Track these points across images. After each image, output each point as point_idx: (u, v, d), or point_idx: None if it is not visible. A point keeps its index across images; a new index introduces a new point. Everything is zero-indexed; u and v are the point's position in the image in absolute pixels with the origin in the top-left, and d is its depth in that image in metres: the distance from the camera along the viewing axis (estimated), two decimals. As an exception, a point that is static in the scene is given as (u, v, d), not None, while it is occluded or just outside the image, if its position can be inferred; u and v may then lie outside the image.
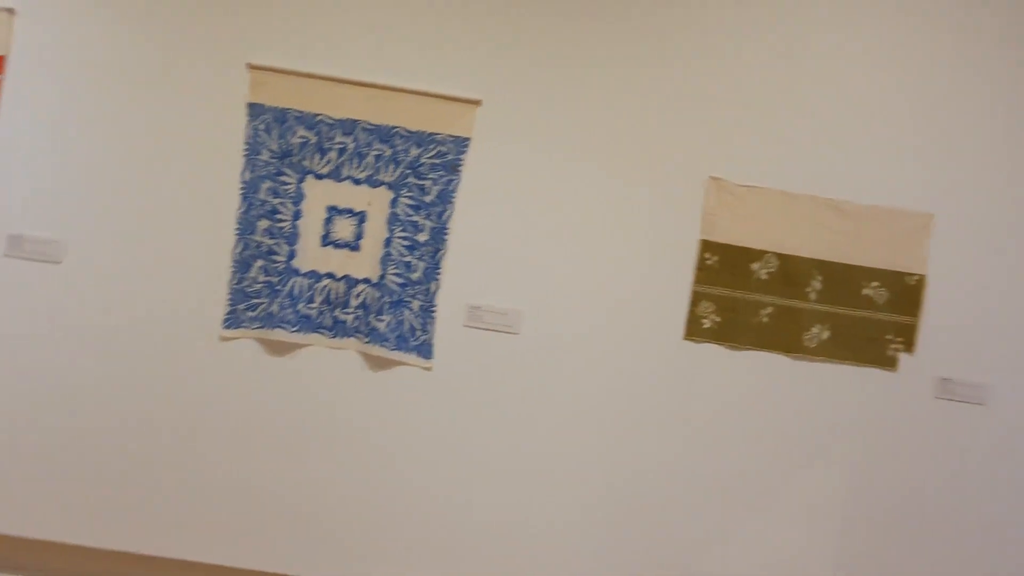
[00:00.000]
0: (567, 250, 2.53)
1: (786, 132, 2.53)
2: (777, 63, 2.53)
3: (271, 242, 2.51)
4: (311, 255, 2.52)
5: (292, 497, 2.54)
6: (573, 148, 2.52)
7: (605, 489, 2.56)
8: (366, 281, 2.53)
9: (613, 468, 2.56)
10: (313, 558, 2.56)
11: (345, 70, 2.49)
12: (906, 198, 2.53)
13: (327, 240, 2.53)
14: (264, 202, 2.50)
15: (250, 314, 2.52)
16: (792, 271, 2.52)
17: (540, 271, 2.53)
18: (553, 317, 2.53)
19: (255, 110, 2.49)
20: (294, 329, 2.52)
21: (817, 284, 2.53)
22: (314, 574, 2.54)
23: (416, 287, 2.53)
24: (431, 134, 2.51)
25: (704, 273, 2.52)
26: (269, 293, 2.51)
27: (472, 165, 2.52)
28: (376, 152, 2.51)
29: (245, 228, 2.50)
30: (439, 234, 2.53)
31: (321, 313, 2.53)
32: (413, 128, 2.51)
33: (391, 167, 2.51)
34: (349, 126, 2.50)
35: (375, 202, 2.52)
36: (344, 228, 2.53)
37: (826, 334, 2.53)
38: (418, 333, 2.53)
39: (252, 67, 2.48)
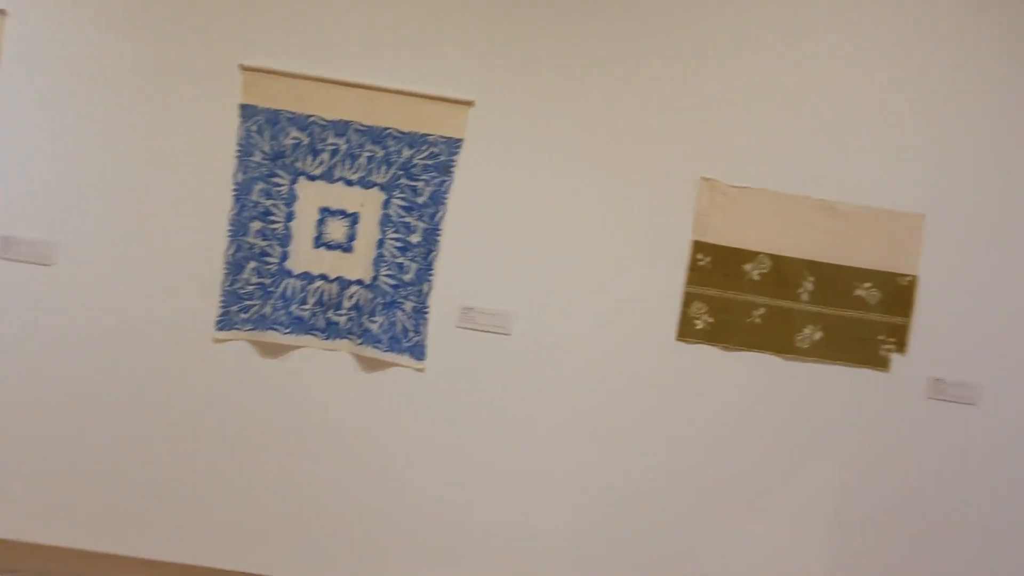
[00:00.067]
0: (559, 251, 2.54)
1: (778, 133, 2.53)
2: (770, 64, 2.54)
3: (264, 244, 2.50)
4: (304, 257, 2.52)
5: (285, 499, 2.54)
6: (565, 149, 2.53)
7: (598, 490, 2.57)
8: (359, 282, 2.53)
9: (606, 469, 2.56)
10: (306, 559, 2.56)
11: (337, 71, 2.48)
12: (898, 199, 2.53)
13: (320, 241, 2.52)
14: (257, 203, 2.50)
15: (243, 316, 2.51)
16: (784, 272, 2.52)
17: (532, 272, 2.53)
18: (545, 318, 2.54)
19: (247, 111, 2.48)
20: (287, 331, 2.51)
21: (809, 285, 2.53)
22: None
23: (409, 288, 2.53)
24: (423, 135, 2.51)
25: (696, 274, 2.52)
26: (262, 295, 2.51)
27: (464, 166, 2.52)
28: (368, 153, 2.51)
29: (238, 230, 2.50)
30: (431, 235, 2.53)
31: (314, 315, 2.53)
32: (405, 129, 2.50)
33: (383, 168, 2.51)
34: (341, 127, 2.50)
35: (368, 203, 2.52)
36: (337, 229, 2.52)
37: (818, 335, 2.54)
38: (411, 334, 2.53)
39: (244, 68, 2.48)
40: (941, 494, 2.56)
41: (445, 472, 2.55)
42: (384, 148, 2.51)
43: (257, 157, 2.49)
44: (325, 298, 2.53)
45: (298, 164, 2.50)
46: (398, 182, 2.52)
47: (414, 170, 2.52)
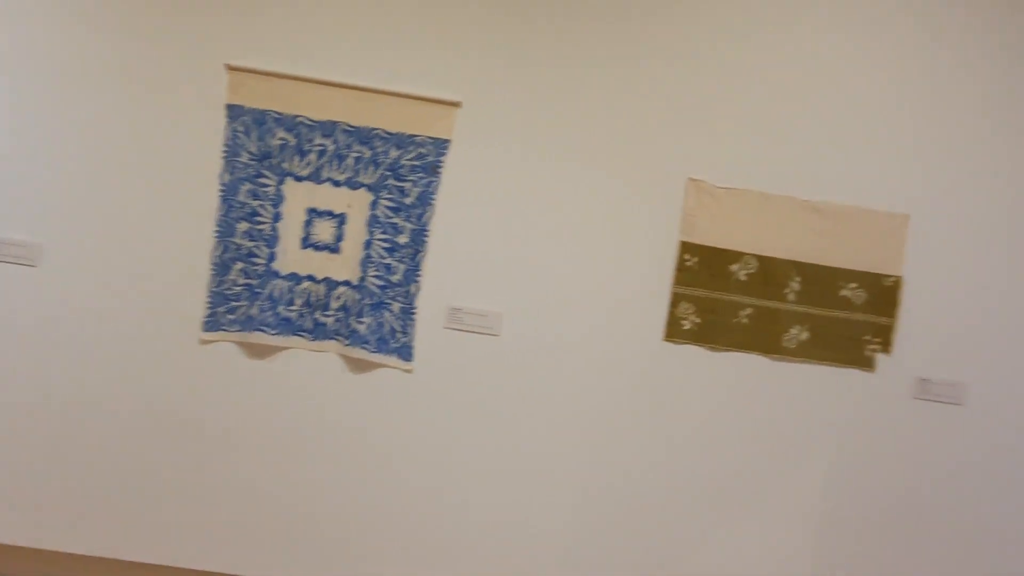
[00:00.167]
0: (547, 252, 2.54)
1: (764, 134, 2.54)
2: (756, 66, 2.55)
3: (251, 244, 2.49)
4: (291, 257, 2.51)
5: (274, 501, 2.53)
6: (552, 150, 2.53)
7: (586, 490, 2.57)
8: (346, 283, 2.52)
9: (594, 469, 2.56)
10: (294, 560, 2.55)
11: (325, 72, 2.48)
12: (883, 200, 2.55)
13: (307, 242, 2.52)
14: (243, 204, 2.49)
15: (230, 317, 2.50)
16: (771, 272, 2.53)
17: (520, 273, 2.54)
18: (533, 319, 2.54)
19: (234, 111, 2.47)
20: (274, 332, 2.50)
21: (796, 285, 2.54)
22: (294, 578, 2.54)
23: (396, 289, 2.53)
24: (411, 136, 2.51)
25: (684, 274, 2.53)
26: (249, 296, 2.50)
27: (452, 167, 2.52)
28: (356, 154, 2.50)
29: (224, 230, 2.49)
30: (419, 236, 2.52)
31: (301, 315, 2.52)
32: (393, 130, 2.50)
33: (371, 169, 2.51)
34: (329, 128, 2.49)
35: (355, 204, 2.51)
36: (324, 230, 2.52)
37: (805, 335, 2.55)
38: (398, 335, 2.53)
39: (230, 68, 2.47)
40: (927, 493, 2.58)
41: (433, 473, 2.55)
42: (371, 149, 2.50)
43: (244, 158, 2.48)
44: (312, 299, 2.52)
45: (285, 165, 2.49)
46: (385, 183, 2.51)
47: (401, 171, 2.51)
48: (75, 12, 2.46)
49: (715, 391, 2.56)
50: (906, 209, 2.55)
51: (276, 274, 2.51)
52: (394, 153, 2.51)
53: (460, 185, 2.52)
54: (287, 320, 2.51)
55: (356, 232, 2.51)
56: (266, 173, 2.49)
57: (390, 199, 2.51)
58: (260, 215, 2.49)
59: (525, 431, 2.55)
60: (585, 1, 2.53)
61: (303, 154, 2.49)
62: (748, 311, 2.54)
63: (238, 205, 2.49)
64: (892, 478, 2.57)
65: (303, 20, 2.49)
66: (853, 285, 2.55)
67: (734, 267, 2.54)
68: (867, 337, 2.55)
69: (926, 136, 2.56)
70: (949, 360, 2.57)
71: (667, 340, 2.55)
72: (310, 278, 2.52)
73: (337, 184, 2.51)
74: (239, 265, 2.49)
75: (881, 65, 2.56)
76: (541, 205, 2.53)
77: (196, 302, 2.49)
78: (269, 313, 2.50)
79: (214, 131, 2.47)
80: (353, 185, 2.51)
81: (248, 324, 2.50)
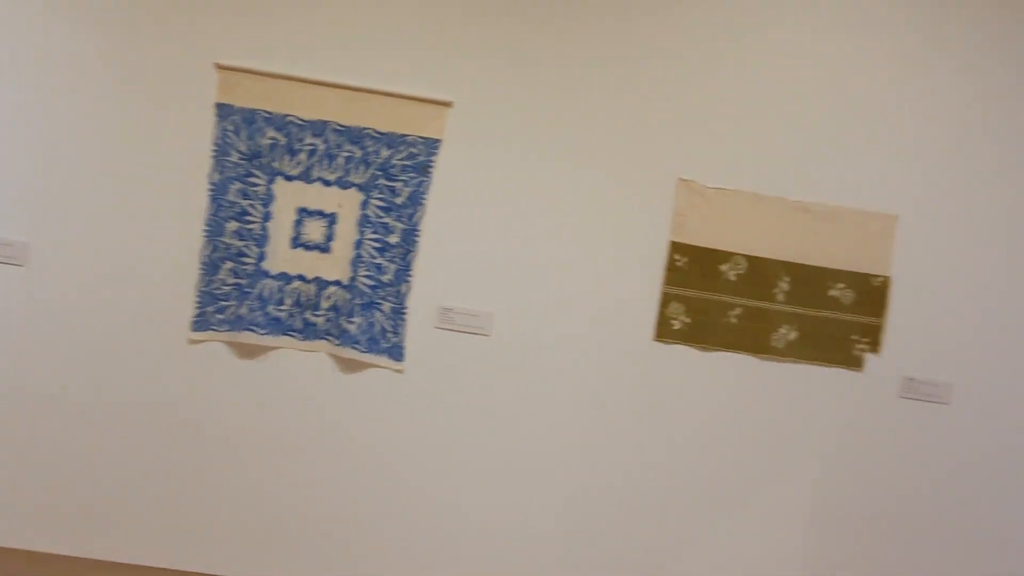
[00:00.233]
0: (538, 252, 2.54)
1: (754, 135, 2.55)
2: (746, 67, 2.56)
3: (240, 244, 2.48)
4: (281, 257, 2.50)
5: (262, 500, 2.52)
6: (544, 150, 2.53)
7: (577, 490, 2.57)
8: (337, 283, 2.51)
9: (585, 469, 2.57)
10: (282, 560, 2.54)
11: (315, 71, 2.47)
12: (871, 200, 2.57)
13: (297, 242, 2.51)
14: (233, 203, 2.48)
15: (219, 316, 2.49)
16: (760, 272, 2.54)
17: (511, 272, 2.54)
18: (524, 318, 2.54)
19: (223, 111, 2.46)
20: (264, 332, 2.49)
21: (785, 285, 2.55)
22: (284, 579, 2.53)
23: (387, 289, 2.52)
24: (402, 135, 2.50)
25: (674, 274, 2.54)
26: (238, 295, 2.49)
27: (443, 167, 2.52)
28: (346, 153, 2.49)
29: (214, 230, 2.47)
30: (410, 236, 2.52)
31: (291, 315, 2.51)
32: (384, 129, 2.50)
33: (361, 168, 2.50)
34: (319, 127, 2.48)
35: (346, 204, 2.51)
36: (314, 230, 2.51)
37: (794, 335, 2.56)
38: (389, 335, 2.52)
39: (220, 67, 2.46)
40: (914, 492, 2.59)
41: (424, 473, 2.55)
42: (362, 148, 2.50)
43: (234, 157, 2.47)
44: (303, 299, 2.51)
45: (275, 164, 2.49)
46: (376, 182, 2.51)
47: (392, 171, 2.51)
48: (63, 10, 2.44)
49: (705, 391, 2.57)
50: (894, 210, 2.57)
51: (266, 274, 2.50)
52: (385, 153, 2.50)
53: (451, 185, 2.52)
54: (277, 320, 2.50)
55: (347, 232, 2.51)
56: (256, 172, 2.48)
57: (381, 199, 2.51)
58: (250, 214, 2.48)
59: (516, 431, 2.55)
60: (576, 1, 2.53)
61: (293, 153, 2.48)
62: (738, 311, 2.55)
63: (227, 204, 2.48)
64: (880, 476, 2.59)
65: (293, 19, 2.48)
66: (841, 285, 2.56)
67: (724, 267, 2.55)
68: (855, 337, 2.57)
69: (915, 138, 2.58)
70: (936, 360, 2.59)
71: (657, 340, 2.55)
72: (300, 278, 2.51)
73: (328, 184, 2.50)
74: (228, 264, 2.48)
75: (870, 67, 2.58)
76: (532, 205, 2.54)
77: (185, 302, 2.48)
78: (259, 313, 2.49)
79: (203, 130, 2.46)
80: (344, 185, 2.50)
81: (237, 324, 2.49)
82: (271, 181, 2.49)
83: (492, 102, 2.52)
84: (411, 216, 2.52)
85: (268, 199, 2.49)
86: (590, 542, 2.58)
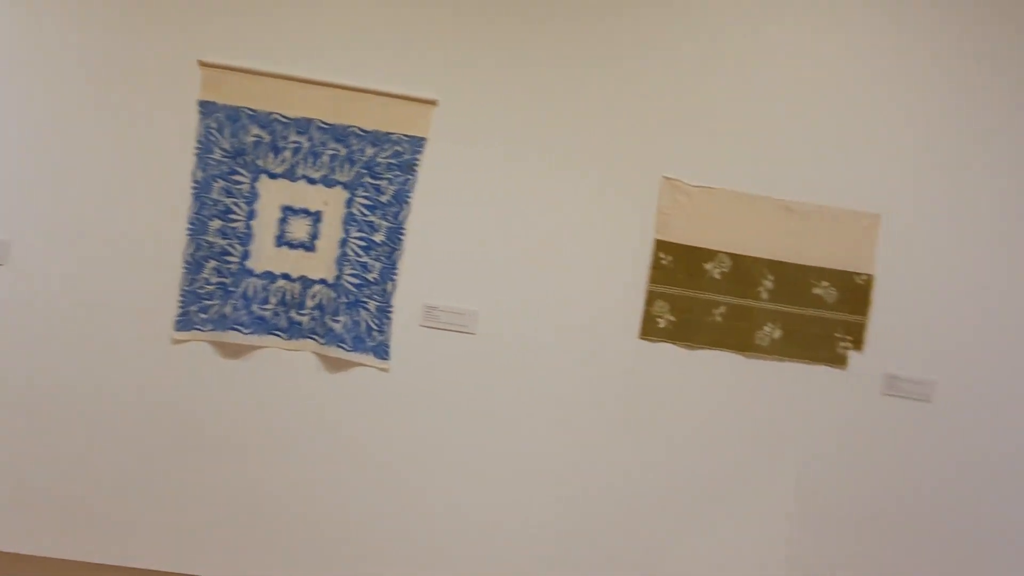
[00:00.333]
0: (523, 250, 2.54)
1: (738, 133, 2.56)
2: (730, 66, 2.57)
3: (224, 242, 2.47)
4: (266, 255, 2.49)
5: (247, 501, 2.51)
6: (529, 149, 2.53)
7: (562, 487, 2.57)
8: (322, 282, 2.50)
9: (570, 466, 2.57)
10: (268, 560, 2.52)
11: (300, 69, 2.46)
12: (855, 199, 2.59)
13: (282, 240, 2.49)
14: (217, 201, 2.46)
15: (202, 316, 2.48)
16: (744, 271, 2.55)
17: (496, 271, 2.54)
18: (509, 317, 2.54)
19: (207, 108, 2.45)
20: (248, 331, 2.48)
21: (769, 283, 2.57)
22: (269, 579, 2.52)
23: (372, 287, 2.51)
24: (387, 134, 2.49)
25: (659, 273, 2.55)
26: (222, 294, 2.47)
27: (428, 165, 2.51)
28: (331, 151, 2.48)
29: (197, 228, 2.46)
30: (395, 234, 2.51)
31: (276, 314, 2.50)
32: (368, 128, 2.49)
33: (346, 167, 2.49)
34: (303, 125, 2.47)
35: (331, 202, 2.50)
36: (299, 228, 2.50)
37: (778, 333, 2.58)
38: (375, 334, 2.52)
39: (203, 64, 2.44)
40: (897, 488, 2.61)
41: (410, 472, 2.54)
42: (347, 146, 2.49)
43: (217, 154, 2.45)
44: (288, 298, 2.50)
45: (259, 162, 2.47)
46: (361, 181, 2.50)
47: (377, 169, 2.50)
48: (44, 6, 2.42)
49: (690, 389, 2.58)
50: (877, 209, 2.59)
51: (250, 272, 2.48)
52: (370, 151, 2.50)
53: (436, 183, 2.51)
54: (262, 319, 2.49)
55: (332, 230, 2.50)
56: (240, 170, 2.47)
57: (366, 197, 2.50)
58: (234, 213, 2.47)
59: (501, 429, 2.55)
60: (562, 1, 2.53)
61: (278, 151, 2.47)
62: (722, 309, 2.57)
63: (211, 202, 2.46)
64: (863, 473, 2.61)
65: (278, 16, 2.47)
66: (825, 283, 2.58)
67: (708, 265, 2.56)
68: (839, 335, 2.59)
69: (897, 137, 2.60)
70: (918, 357, 2.61)
71: (642, 338, 2.56)
72: (285, 276, 2.50)
73: (312, 182, 2.49)
74: (212, 263, 2.47)
75: (854, 68, 2.60)
76: (517, 203, 2.54)
77: (168, 301, 2.46)
78: (243, 312, 2.47)
79: (186, 127, 2.45)
80: (329, 183, 2.49)
81: (222, 323, 2.47)
82: (255, 179, 2.48)
83: (477, 101, 2.52)
84: (396, 214, 2.51)
85: (252, 197, 2.48)
86: (576, 540, 2.58)
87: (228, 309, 2.47)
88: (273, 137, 2.46)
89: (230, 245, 2.47)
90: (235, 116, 2.45)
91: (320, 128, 2.47)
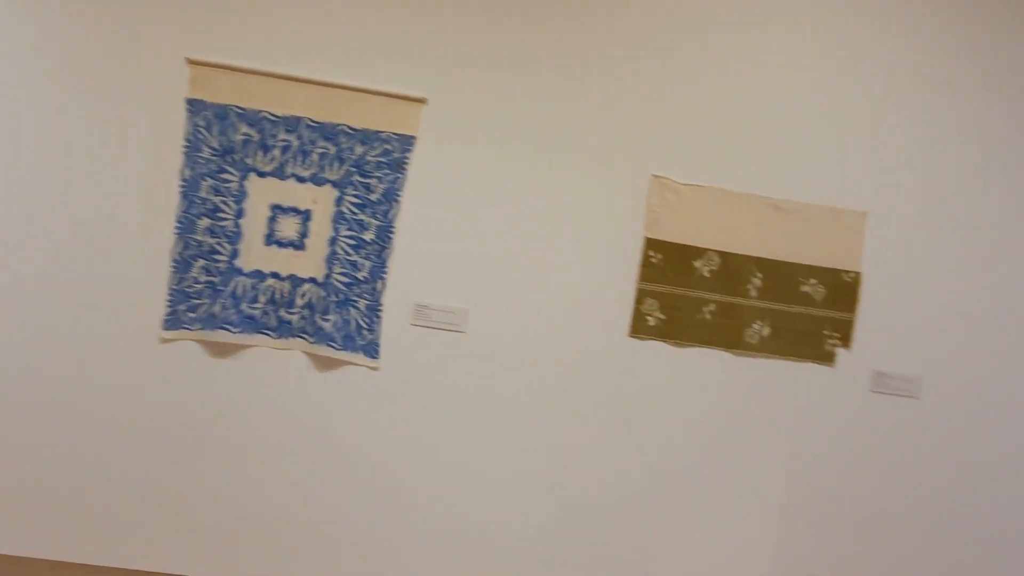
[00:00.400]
0: (513, 248, 2.54)
1: (727, 132, 2.58)
2: (719, 65, 2.58)
3: (213, 241, 2.46)
4: (255, 254, 2.48)
5: (236, 501, 2.50)
6: (518, 147, 2.53)
7: (552, 484, 2.58)
8: (312, 280, 2.49)
9: (560, 464, 2.58)
10: (252, 558, 2.51)
11: (288, 66, 2.45)
12: (842, 197, 2.60)
13: (271, 239, 2.48)
14: (205, 200, 2.45)
15: (191, 315, 2.46)
16: (733, 268, 2.57)
17: (487, 269, 2.54)
18: (500, 315, 2.54)
19: (195, 106, 2.43)
20: (237, 330, 2.47)
21: (758, 281, 2.58)
22: (259, 579, 2.51)
23: (362, 286, 2.51)
24: (376, 132, 2.49)
25: (649, 271, 2.55)
26: (211, 293, 2.46)
27: (418, 164, 2.51)
28: (321, 150, 2.48)
29: (185, 227, 2.44)
30: (385, 233, 2.51)
31: (265, 313, 2.49)
32: (358, 126, 2.48)
33: (336, 165, 2.49)
34: (293, 123, 2.46)
35: (320, 200, 2.49)
36: (289, 227, 2.49)
37: (767, 330, 2.59)
38: (365, 332, 2.51)
39: (191, 62, 2.43)
40: (885, 484, 2.63)
41: (400, 470, 2.54)
42: (336, 145, 2.48)
43: (205, 153, 2.44)
44: (277, 296, 2.49)
45: (248, 160, 2.46)
46: (351, 179, 2.49)
47: (367, 167, 2.50)
48: (30, 2, 2.40)
49: (680, 386, 2.59)
50: (865, 207, 2.61)
51: (239, 271, 2.47)
52: (360, 149, 2.49)
53: (426, 182, 2.51)
54: (251, 318, 2.48)
55: (321, 229, 2.49)
56: (228, 169, 2.46)
57: (356, 196, 2.49)
58: (222, 211, 2.46)
59: (492, 427, 2.55)
60: (551, 1, 2.55)
61: (267, 149, 2.46)
62: (711, 307, 2.58)
63: (199, 201, 2.45)
64: (851, 469, 2.62)
65: (267, 13, 2.46)
66: (813, 281, 2.59)
67: (698, 263, 2.57)
68: (827, 332, 2.60)
69: (884, 136, 2.62)
70: (905, 354, 2.63)
71: (632, 336, 2.57)
72: (274, 275, 2.49)
73: (302, 180, 2.48)
74: (200, 262, 2.45)
75: (842, 67, 2.61)
76: (507, 202, 2.54)
77: (156, 300, 2.45)
78: (232, 311, 2.46)
79: (175, 126, 2.43)
80: (318, 181, 2.48)
81: (210, 322, 2.46)
82: (244, 177, 2.46)
83: (467, 99, 2.52)
84: (386, 213, 2.51)
85: (241, 196, 2.46)
86: (565, 537, 2.59)
87: (217, 308, 2.46)
88: (262, 135, 2.45)
89: (219, 244, 2.46)
90: (223, 114, 2.44)
91: (309, 126, 2.47)
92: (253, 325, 2.48)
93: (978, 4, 2.63)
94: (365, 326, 2.51)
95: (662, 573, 2.61)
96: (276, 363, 2.50)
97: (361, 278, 2.50)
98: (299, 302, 2.49)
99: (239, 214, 2.46)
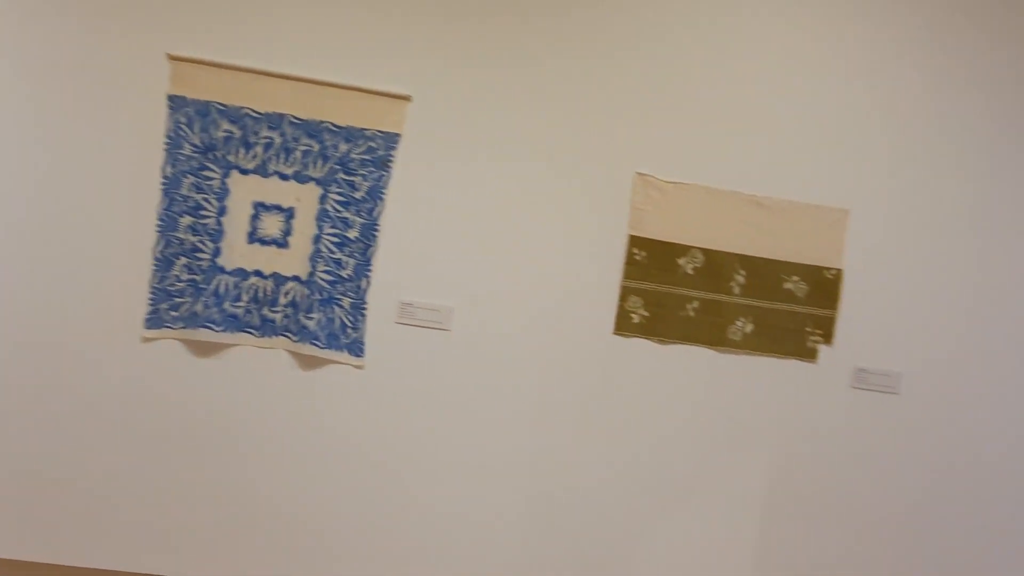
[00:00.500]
0: (498, 246, 2.54)
1: (709, 130, 2.59)
2: (702, 63, 2.59)
3: (194, 239, 2.43)
4: (237, 252, 2.46)
5: (219, 500, 2.48)
6: (503, 145, 2.53)
7: (536, 482, 2.58)
8: (295, 279, 2.48)
9: (545, 461, 2.58)
10: (235, 558, 2.50)
11: (271, 63, 2.43)
12: (824, 195, 2.63)
13: (254, 237, 2.47)
14: (187, 197, 2.43)
15: (173, 314, 2.44)
16: (717, 266, 2.58)
17: (472, 267, 2.53)
18: (484, 313, 2.54)
19: (176, 102, 2.41)
20: (220, 329, 2.45)
21: (741, 278, 2.60)
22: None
23: (347, 284, 2.50)
24: (361, 129, 2.48)
25: (633, 268, 2.56)
26: (193, 292, 2.44)
27: (402, 161, 2.50)
28: (304, 147, 2.46)
29: (167, 224, 2.42)
30: (369, 230, 2.50)
31: (248, 312, 2.47)
32: (342, 123, 2.47)
33: (320, 162, 2.47)
34: (276, 120, 2.45)
35: (304, 198, 2.47)
36: (272, 224, 2.47)
37: (750, 327, 2.61)
38: (349, 331, 2.50)
39: (172, 58, 2.40)
40: (865, 480, 2.66)
41: (385, 469, 2.53)
42: (320, 142, 2.47)
43: (187, 150, 2.42)
44: (260, 295, 2.47)
45: (230, 157, 2.44)
46: (335, 177, 2.48)
47: (351, 165, 2.48)
48: (6, -3, 2.37)
49: (664, 384, 2.60)
50: (846, 204, 2.63)
51: (221, 269, 2.45)
52: (344, 147, 2.48)
53: (410, 180, 2.50)
54: (234, 317, 2.46)
55: (305, 227, 2.48)
56: (210, 166, 2.43)
57: (340, 193, 2.48)
58: (204, 209, 2.43)
59: (477, 425, 2.55)
60: (535, -3, 2.55)
61: (249, 147, 2.44)
62: (695, 304, 2.59)
63: (181, 199, 2.42)
64: (833, 465, 2.65)
65: (249, 8, 2.44)
66: (796, 278, 2.62)
67: (681, 261, 2.58)
68: (809, 329, 2.63)
69: (866, 134, 2.64)
70: (885, 351, 2.66)
71: (617, 333, 2.58)
72: (257, 273, 2.47)
73: (285, 178, 2.46)
74: (182, 260, 2.43)
75: (823, 64, 2.64)
76: (491, 200, 2.54)
77: (138, 298, 2.42)
78: (214, 310, 2.44)
79: (155, 122, 2.41)
80: (301, 179, 2.47)
81: (193, 321, 2.44)
82: (226, 175, 2.44)
83: (451, 97, 2.51)
84: (371, 211, 2.50)
85: (223, 193, 2.44)
86: (549, 533, 2.59)
87: (199, 307, 2.44)
88: (244, 132, 2.43)
89: (201, 242, 2.44)
90: (205, 111, 2.41)
91: (293, 123, 2.45)
92: (236, 324, 2.46)
93: (960, 3, 2.66)
94: (349, 324, 2.50)
95: (645, 567, 2.63)
96: (260, 362, 2.48)
97: (345, 276, 2.49)
98: (283, 300, 2.48)
99: (221, 212, 2.44)
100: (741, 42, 2.61)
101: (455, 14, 2.51)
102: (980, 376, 2.68)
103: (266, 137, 2.44)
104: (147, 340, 2.44)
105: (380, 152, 2.49)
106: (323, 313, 2.48)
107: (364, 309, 2.50)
